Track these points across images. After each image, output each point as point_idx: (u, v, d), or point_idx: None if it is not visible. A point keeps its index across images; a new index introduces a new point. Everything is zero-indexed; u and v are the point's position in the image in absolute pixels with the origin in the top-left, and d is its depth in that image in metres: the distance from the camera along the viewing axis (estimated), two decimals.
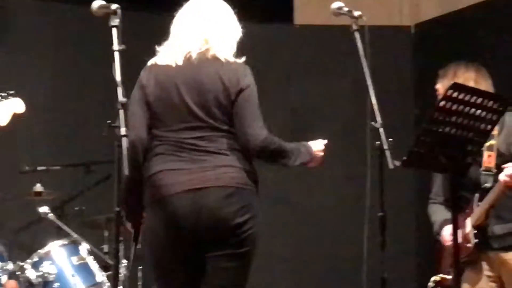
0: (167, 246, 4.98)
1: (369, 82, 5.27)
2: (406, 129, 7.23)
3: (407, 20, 9.56)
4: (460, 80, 6.03)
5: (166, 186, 4.93)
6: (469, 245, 6.05)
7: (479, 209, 5.98)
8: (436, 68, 6.71)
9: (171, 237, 4.94)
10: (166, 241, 4.97)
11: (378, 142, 5.19)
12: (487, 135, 5.51)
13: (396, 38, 9.14)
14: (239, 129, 5.05)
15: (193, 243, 5.00)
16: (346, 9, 5.50)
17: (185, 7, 5.34)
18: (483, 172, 6.00)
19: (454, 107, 5.25)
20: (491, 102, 5.30)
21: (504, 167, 5.73)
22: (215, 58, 5.05)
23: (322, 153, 5.33)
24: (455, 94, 5.23)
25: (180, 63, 5.03)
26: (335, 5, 5.53)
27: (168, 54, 5.09)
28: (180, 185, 4.91)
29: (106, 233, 7.14)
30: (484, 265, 6.10)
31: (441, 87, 6.23)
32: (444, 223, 6.14)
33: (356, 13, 5.47)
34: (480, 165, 6.05)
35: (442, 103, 5.21)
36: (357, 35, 5.45)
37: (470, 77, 6.18)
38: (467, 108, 5.25)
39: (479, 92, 5.36)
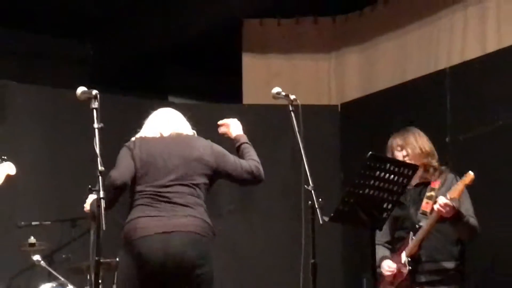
0: (139, 283, 5.17)
1: (303, 152, 5.42)
2: (334, 191, 7.29)
3: (335, 100, 9.61)
4: (413, 139, 6.38)
5: (142, 228, 5.12)
6: (404, 271, 6.19)
7: (414, 241, 6.14)
8: (358, 140, 7.66)
9: (142, 274, 5.10)
10: (138, 277, 5.13)
11: (310, 202, 5.30)
12: (399, 195, 5.68)
13: (325, 115, 9.29)
14: (233, 169, 5.60)
15: (160, 280, 5.19)
16: (283, 93, 5.67)
17: (155, 114, 5.77)
18: (420, 215, 6.21)
19: (372, 173, 5.47)
20: (402, 169, 5.59)
21: (437, 200, 5.96)
22: (183, 134, 5.55)
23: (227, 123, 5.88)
24: (372, 164, 5.46)
25: (165, 135, 5.47)
26: (274, 90, 5.70)
27: (152, 131, 5.50)
28: (152, 228, 5.11)
29: (88, 277, 7.05)
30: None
31: (400, 150, 6.46)
32: (382, 258, 6.28)
33: (292, 97, 5.65)
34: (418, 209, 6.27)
35: (362, 171, 5.45)
36: (292, 115, 5.63)
37: (416, 136, 6.44)
38: (382, 174, 5.48)
39: (392, 161, 5.71)
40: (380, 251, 6.34)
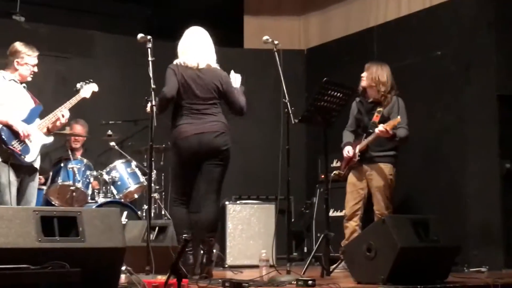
0: (185, 160, 5.21)
1: (283, 85, 5.35)
2: (301, 105, 6.64)
3: (303, 45, 9.16)
4: (372, 72, 6.16)
5: (184, 131, 5.15)
6: (355, 159, 6.13)
7: (365, 142, 6.08)
8: (318, 75, 6.57)
9: (187, 156, 5.18)
10: (184, 158, 5.20)
11: (286, 110, 5.26)
12: (342, 107, 5.75)
13: (296, 57, 8.74)
14: (232, 101, 5.35)
15: (194, 163, 5.23)
16: (270, 40, 5.52)
17: (187, 35, 5.41)
18: (371, 123, 6.08)
19: (325, 92, 5.58)
20: (344, 89, 5.67)
21: (379, 125, 5.89)
22: (211, 66, 5.31)
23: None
24: (326, 86, 5.59)
25: (195, 66, 5.21)
26: (264, 37, 5.56)
27: (187, 59, 5.25)
28: (190, 131, 5.13)
29: (145, 156, 6.94)
30: (363, 169, 6.14)
31: (364, 75, 6.23)
32: (346, 144, 6.28)
33: (276, 42, 5.52)
34: (369, 120, 6.13)
35: (319, 90, 5.60)
36: (276, 55, 5.46)
37: (377, 68, 6.16)
38: (331, 92, 5.58)
39: (338, 84, 5.67)
40: (346, 136, 6.41)
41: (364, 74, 6.29)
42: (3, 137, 5.46)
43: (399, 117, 5.88)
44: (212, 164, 5.27)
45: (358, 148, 6.17)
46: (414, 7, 7.54)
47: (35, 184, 5.81)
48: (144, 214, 6.60)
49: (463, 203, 6.60)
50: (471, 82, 6.71)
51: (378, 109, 6.15)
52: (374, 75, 6.18)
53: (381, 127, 5.88)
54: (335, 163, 6.94)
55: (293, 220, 6.90)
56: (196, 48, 5.36)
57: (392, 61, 6.46)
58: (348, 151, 6.24)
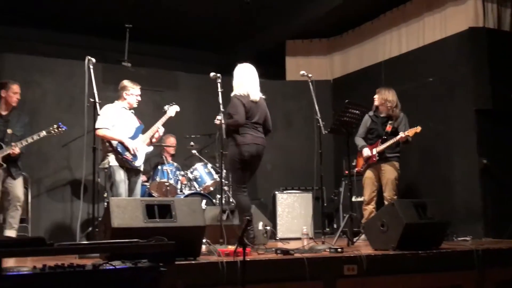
0: (246, 159, 5.09)
1: (315, 105, 5.37)
2: (329, 120, 6.40)
3: (329, 76, 8.98)
4: (382, 94, 6.13)
5: (250, 140, 5.07)
6: (375, 159, 6.05)
7: (384, 146, 6.00)
8: (341, 98, 6.65)
9: (248, 156, 5.07)
10: (246, 157, 5.07)
11: (318, 124, 5.33)
12: (359, 121, 5.78)
13: (324, 85, 8.47)
14: (268, 124, 5.31)
15: (251, 162, 5.14)
16: (305, 73, 5.50)
17: (243, 70, 5.30)
18: (385, 132, 6.03)
19: (347, 109, 5.53)
20: (360, 108, 5.62)
21: (400, 132, 5.88)
22: (262, 98, 5.30)
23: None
24: (349, 106, 5.55)
25: (256, 98, 5.17)
26: (301, 72, 5.56)
27: (250, 92, 5.18)
28: (253, 140, 5.08)
29: (217, 160, 7.00)
30: (378, 166, 6.06)
31: (376, 97, 6.21)
32: (363, 146, 6.19)
33: (310, 75, 5.53)
34: (384, 130, 6.06)
35: (343, 108, 5.54)
36: (310, 84, 5.50)
37: (386, 92, 6.11)
38: (352, 110, 5.54)
39: (356, 104, 5.63)
40: (360, 141, 6.31)
41: (376, 96, 6.24)
42: (119, 150, 5.58)
43: (419, 127, 5.81)
44: (257, 164, 5.28)
45: (376, 150, 6.06)
46: (411, 46, 7.48)
47: (140, 181, 5.85)
48: (217, 202, 6.53)
49: (451, 190, 6.54)
50: (455, 100, 6.66)
51: (390, 122, 6.08)
52: (383, 96, 6.13)
53: (402, 134, 5.86)
54: (354, 162, 6.72)
55: (325, 204, 6.70)
56: (253, 83, 5.27)
57: (396, 86, 6.35)
58: (367, 151, 6.13)
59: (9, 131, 5.68)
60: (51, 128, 5.78)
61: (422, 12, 7.36)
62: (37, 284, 1.95)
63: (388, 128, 6.07)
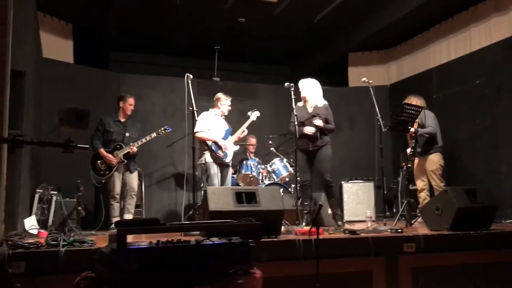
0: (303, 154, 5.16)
1: (376, 107, 5.41)
2: (387, 120, 6.14)
3: (386, 82, 8.72)
4: (411, 99, 5.92)
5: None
6: (412, 134, 5.76)
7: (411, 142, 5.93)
8: (397, 100, 6.56)
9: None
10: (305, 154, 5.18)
11: (379, 123, 5.40)
12: (414, 120, 5.47)
13: (383, 90, 8.28)
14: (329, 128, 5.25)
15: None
16: (367, 80, 5.50)
17: (303, 83, 5.27)
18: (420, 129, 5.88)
19: (404, 109, 5.33)
20: (414, 108, 5.38)
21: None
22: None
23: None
24: (405, 106, 5.37)
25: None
26: (363, 79, 5.58)
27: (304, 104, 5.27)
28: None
29: (291, 155, 6.61)
30: (423, 161, 5.83)
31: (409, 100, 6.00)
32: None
33: (370, 81, 5.53)
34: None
35: (400, 109, 5.36)
36: (371, 90, 5.50)
37: (415, 98, 5.91)
38: (408, 110, 5.33)
39: (411, 105, 5.45)
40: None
41: (409, 99, 5.97)
42: (213, 148, 5.71)
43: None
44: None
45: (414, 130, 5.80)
46: (459, 54, 7.17)
47: (229, 174, 5.92)
48: (292, 190, 6.45)
49: (498, 177, 6.27)
50: (500, 99, 6.37)
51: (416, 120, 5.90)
52: (411, 102, 5.81)
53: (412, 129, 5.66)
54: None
55: (385, 192, 6.35)
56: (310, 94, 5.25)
57: (446, 89, 6.25)
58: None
59: (127, 134, 5.84)
60: (159, 130, 5.94)
61: (468, 24, 7.09)
62: (154, 255, 2.01)
63: (415, 125, 5.80)
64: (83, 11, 6.95)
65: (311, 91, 5.29)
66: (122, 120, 5.95)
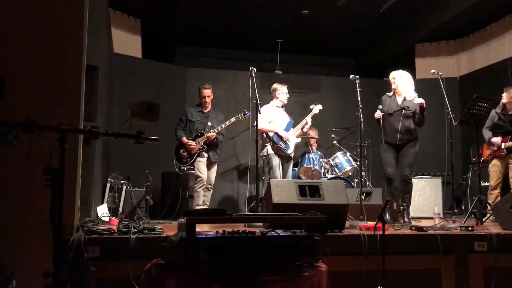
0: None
1: (446, 99, 5.17)
2: (456, 113, 6.14)
3: (456, 74, 8.42)
4: (510, 93, 5.64)
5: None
6: (502, 153, 5.66)
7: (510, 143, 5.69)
8: (468, 96, 6.21)
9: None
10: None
11: (449, 116, 5.16)
12: (488, 114, 5.33)
13: (452, 82, 8.01)
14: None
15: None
16: (436, 72, 5.33)
17: (396, 74, 5.19)
18: None
19: (476, 103, 5.22)
20: (488, 101, 5.25)
21: None
22: None
23: None
24: (476, 99, 5.22)
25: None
26: (432, 71, 5.40)
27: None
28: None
29: (354, 149, 6.65)
30: (505, 157, 5.65)
31: (504, 95, 5.74)
32: (491, 137, 5.76)
33: (440, 73, 5.34)
34: None
35: (472, 101, 5.23)
36: (441, 82, 5.29)
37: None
38: (480, 103, 5.22)
39: (484, 98, 5.29)
40: (486, 133, 5.86)
41: (504, 94, 5.78)
42: (275, 140, 5.76)
43: None
44: None
45: (505, 145, 5.66)
46: None
47: (291, 167, 5.99)
48: (355, 185, 6.48)
49: None
50: None
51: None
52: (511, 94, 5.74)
53: None
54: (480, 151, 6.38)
55: (454, 188, 6.32)
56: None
57: None
58: (497, 141, 5.71)
59: (209, 123, 5.92)
60: (239, 115, 5.88)
61: None
62: (221, 244, 2.05)
63: None
64: (151, 7, 7.19)
65: (404, 84, 5.19)
66: (205, 110, 6.05)
